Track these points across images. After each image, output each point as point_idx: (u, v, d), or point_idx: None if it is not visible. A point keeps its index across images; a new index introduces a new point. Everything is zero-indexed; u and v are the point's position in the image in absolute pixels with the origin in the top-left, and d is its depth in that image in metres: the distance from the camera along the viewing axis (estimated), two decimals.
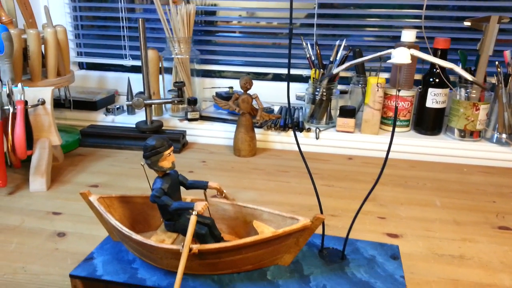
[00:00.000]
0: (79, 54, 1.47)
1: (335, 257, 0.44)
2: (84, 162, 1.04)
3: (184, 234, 0.43)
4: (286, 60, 1.38)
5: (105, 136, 1.14)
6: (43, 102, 0.90)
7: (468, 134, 1.09)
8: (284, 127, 1.16)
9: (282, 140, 1.15)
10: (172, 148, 0.42)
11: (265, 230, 0.41)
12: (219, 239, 0.44)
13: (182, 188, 0.46)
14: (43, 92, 0.90)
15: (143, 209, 0.47)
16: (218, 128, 1.18)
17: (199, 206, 0.41)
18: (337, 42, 1.15)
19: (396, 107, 0.48)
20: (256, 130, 1.12)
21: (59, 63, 1.06)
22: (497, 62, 1.05)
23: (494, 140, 1.09)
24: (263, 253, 0.40)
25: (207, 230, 0.43)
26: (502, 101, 1.05)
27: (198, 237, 0.40)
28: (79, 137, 1.15)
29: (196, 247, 0.38)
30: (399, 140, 1.12)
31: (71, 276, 0.41)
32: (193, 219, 0.40)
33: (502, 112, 1.06)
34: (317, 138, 1.14)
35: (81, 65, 1.50)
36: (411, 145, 1.11)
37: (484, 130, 1.11)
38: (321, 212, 0.41)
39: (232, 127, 1.13)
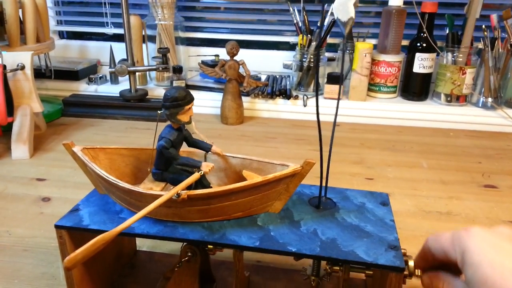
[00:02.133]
0: (59, 22, 1.42)
1: (325, 205, 0.43)
2: (68, 131, 1.02)
3: (172, 183, 0.43)
4: (273, 27, 1.36)
5: (88, 105, 1.11)
6: (22, 67, 0.86)
7: (455, 98, 1.10)
8: (271, 95, 1.15)
9: (270, 108, 1.14)
10: (193, 102, 0.41)
11: (255, 178, 0.40)
12: (208, 188, 0.43)
13: None
14: (22, 57, 0.87)
15: (129, 161, 0.46)
16: (204, 97, 1.17)
17: (206, 168, 0.40)
18: (325, 7, 1.13)
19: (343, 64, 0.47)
20: (243, 98, 1.10)
21: (38, 29, 1.02)
22: (483, 26, 1.05)
23: (480, 105, 1.10)
24: (253, 199, 0.40)
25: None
26: (488, 65, 1.05)
27: (187, 186, 0.39)
28: (61, 106, 1.12)
29: (185, 192, 0.37)
30: (386, 106, 1.12)
31: (57, 226, 0.39)
32: (195, 175, 0.39)
33: (488, 76, 1.06)
34: (304, 105, 1.13)
35: (61, 35, 1.45)
36: (398, 110, 1.11)
37: (470, 95, 1.11)
38: (327, 167, 0.40)
39: (219, 96, 1.11)
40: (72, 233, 0.40)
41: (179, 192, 0.37)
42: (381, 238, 0.38)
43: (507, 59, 1.05)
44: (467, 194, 0.76)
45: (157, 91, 1.20)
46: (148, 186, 0.42)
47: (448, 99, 1.10)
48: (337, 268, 0.46)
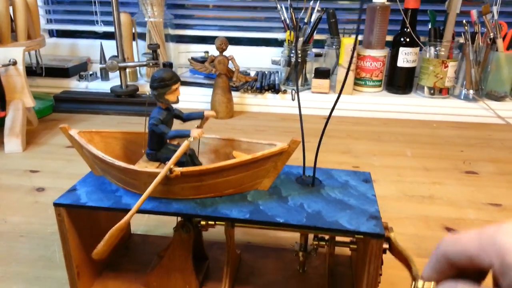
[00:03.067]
0: (49, 21, 1.43)
1: (312, 182, 0.46)
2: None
3: (166, 163, 0.45)
4: (261, 24, 1.38)
5: (79, 101, 1.12)
6: (14, 63, 0.88)
7: (437, 91, 1.13)
8: (260, 90, 1.17)
9: (259, 103, 1.17)
10: (179, 83, 0.43)
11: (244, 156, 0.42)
12: None
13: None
14: (14, 53, 0.88)
15: (123, 145, 0.48)
16: (195, 92, 1.19)
17: (195, 133, 0.41)
18: (311, 4, 1.16)
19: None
20: (233, 93, 1.12)
21: (29, 26, 1.03)
22: (464, 21, 1.08)
23: (462, 97, 1.13)
24: (243, 177, 0.42)
25: (188, 159, 0.44)
26: (469, 58, 1.09)
27: (179, 165, 0.41)
28: (52, 103, 1.13)
29: (178, 169, 0.40)
30: (372, 100, 1.15)
31: (55, 204, 0.41)
32: (185, 143, 0.41)
33: (469, 69, 1.10)
34: (293, 99, 1.16)
35: (51, 33, 1.46)
36: (384, 103, 1.15)
37: (452, 88, 1.15)
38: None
39: (209, 91, 1.13)
40: (70, 210, 0.42)
41: (172, 168, 0.39)
42: (363, 210, 0.41)
43: (487, 52, 1.09)
44: (449, 179, 0.79)
45: (148, 87, 1.21)
46: (143, 166, 0.44)
47: (431, 91, 1.14)
48: (323, 243, 0.48)
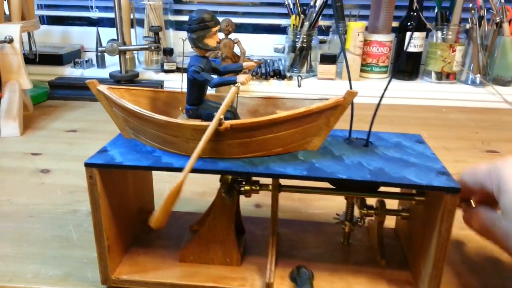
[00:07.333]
0: (40, 7, 1.37)
1: (361, 144, 0.43)
2: (57, 112, 0.97)
3: (208, 119, 0.40)
4: (265, 10, 1.36)
5: (76, 87, 1.06)
6: (11, 40, 0.82)
7: (445, 76, 1.12)
8: (265, 76, 1.13)
9: (264, 89, 1.13)
10: (219, 26, 0.38)
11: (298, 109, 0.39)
12: None
13: None
14: (10, 29, 0.82)
15: (155, 105, 0.44)
16: None
17: (243, 78, 0.37)
18: None
19: None
20: None
21: (23, 7, 0.97)
22: (471, 5, 1.08)
23: (469, 82, 1.12)
24: (294, 133, 0.38)
25: (232, 116, 0.40)
26: (476, 43, 1.08)
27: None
28: (47, 90, 1.07)
29: (228, 122, 0.36)
30: (378, 85, 1.13)
31: (87, 165, 0.36)
32: (234, 90, 0.37)
33: (476, 53, 1.09)
34: (299, 85, 1.13)
35: (41, 20, 1.39)
36: (391, 89, 1.12)
37: (459, 73, 1.14)
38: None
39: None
40: (103, 172, 0.37)
41: (222, 119, 0.35)
42: (428, 167, 0.38)
43: (494, 36, 1.08)
44: (472, 158, 0.77)
45: (147, 74, 1.16)
46: None
47: (439, 76, 1.12)
48: (372, 211, 0.45)
